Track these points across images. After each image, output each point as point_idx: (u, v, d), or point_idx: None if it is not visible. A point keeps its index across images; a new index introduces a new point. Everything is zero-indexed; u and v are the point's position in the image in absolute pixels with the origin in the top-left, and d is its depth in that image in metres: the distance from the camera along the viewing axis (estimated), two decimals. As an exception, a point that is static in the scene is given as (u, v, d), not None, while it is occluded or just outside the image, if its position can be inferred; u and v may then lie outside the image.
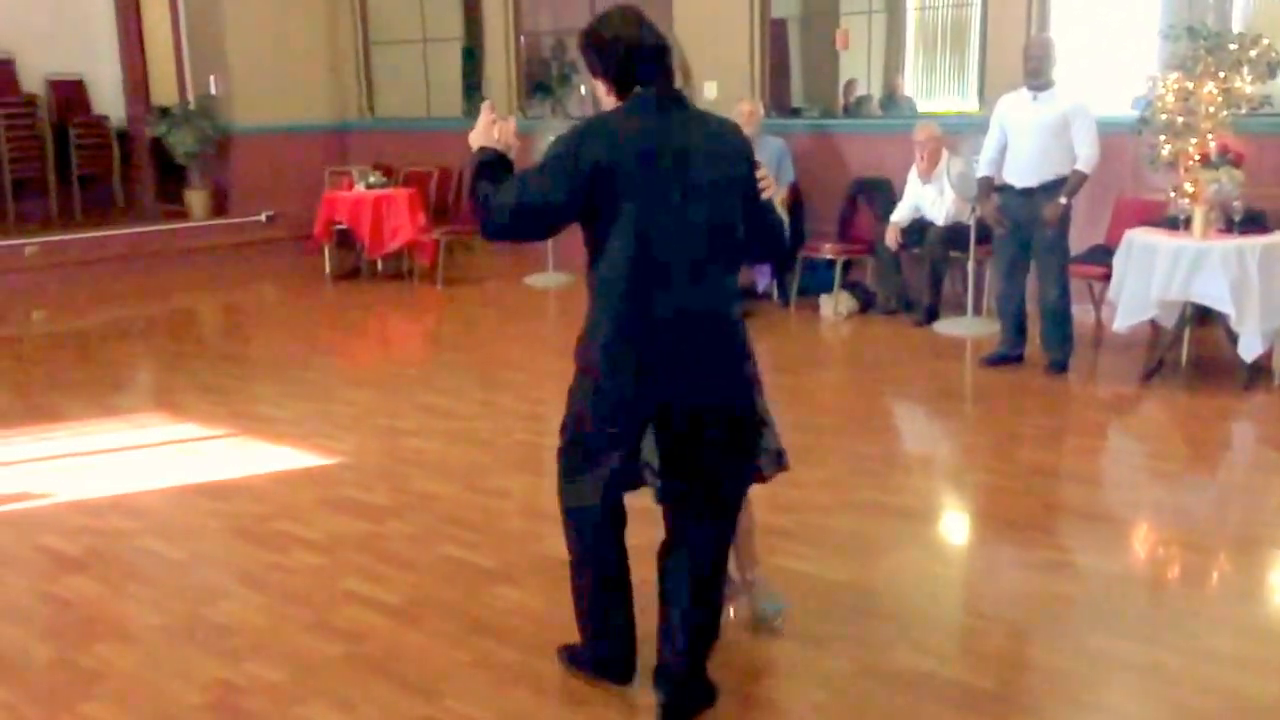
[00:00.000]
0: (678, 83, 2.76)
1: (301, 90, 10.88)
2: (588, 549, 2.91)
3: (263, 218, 10.57)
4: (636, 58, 2.67)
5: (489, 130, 2.80)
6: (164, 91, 11.44)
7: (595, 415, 2.77)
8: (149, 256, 9.80)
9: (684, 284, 2.64)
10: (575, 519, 2.91)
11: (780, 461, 3.03)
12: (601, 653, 2.99)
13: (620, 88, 2.70)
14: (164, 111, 10.80)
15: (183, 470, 4.83)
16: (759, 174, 2.75)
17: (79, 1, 11.14)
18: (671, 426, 2.70)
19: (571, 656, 3.08)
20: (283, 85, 10.70)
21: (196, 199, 10.66)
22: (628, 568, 2.94)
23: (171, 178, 11.04)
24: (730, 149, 2.74)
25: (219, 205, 10.75)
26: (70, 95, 11.17)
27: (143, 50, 11.57)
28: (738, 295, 2.82)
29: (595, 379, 2.73)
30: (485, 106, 2.86)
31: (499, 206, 2.70)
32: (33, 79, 10.90)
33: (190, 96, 10.88)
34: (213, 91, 10.66)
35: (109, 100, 11.44)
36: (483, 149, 2.80)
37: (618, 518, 2.89)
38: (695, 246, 2.65)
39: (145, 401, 6.32)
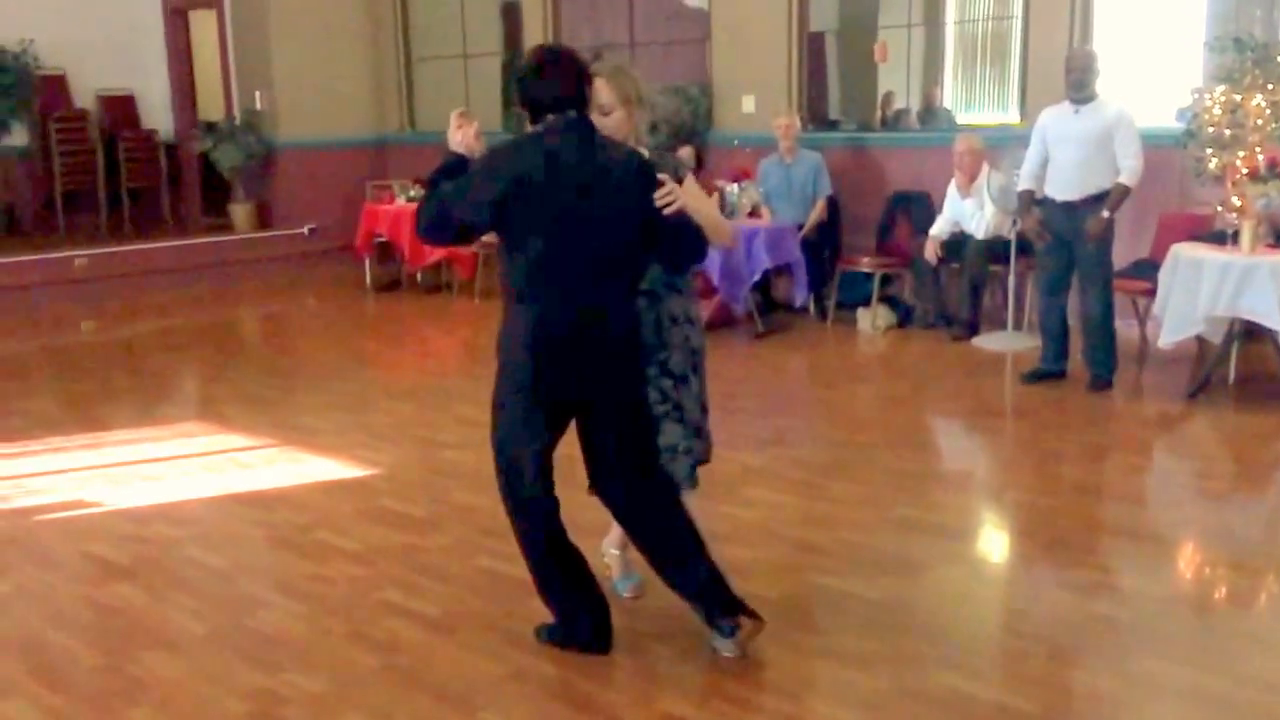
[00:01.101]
0: (613, 112, 3.13)
1: (344, 105, 11.02)
2: (525, 531, 3.21)
3: (305, 231, 10.71)
4: (543, 92, 3.00)
5: (454, 135, 3.15)
6: (211, 106, 11.64)
7: (507, 406, 3.10)
8: (194, 268, 9.95)
9: (580, 291, 2.99)
10: (510, 498, 3.19)
11: (692, 475, 3.35)
12: (574, 627, 3.24)
13: (533, 115, 3.04)
14: (210, 126, 10.99)
15: (226, 480, 4.89)
16: (659, 193, 2.99)
17: (129, 18, 11.36)
18: (581, 418, 3.11)
19: (550, 633, 3.29)
20: (326, 100, 10.85)
21: (241, 212, 10.81)
22: (566, 543, 3.21)
23: (217, 191, 11.22)
24: (626, 171, 3.04)
25: (263, 218, 10.90)
26: (120, 110, 11.38)
27: (191, 66, 11.79)
28: (633, 301, 3.13)
29: (509, 375, 3.08)
30: (454, 114, 3.17)
31: (424, 210, 3.09)
32: (84, 94, 11.12)
33: (236, 112, 11.06)
34: (258, 107, 10.82)
35: (157, 115, 11.64)
36: (448, 153, 3.14)
37: (547, 493, 3.16)
38: (590, 257, 2.98)
39: (191, 412, 6.42)
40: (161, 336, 8.33)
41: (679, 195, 3.02)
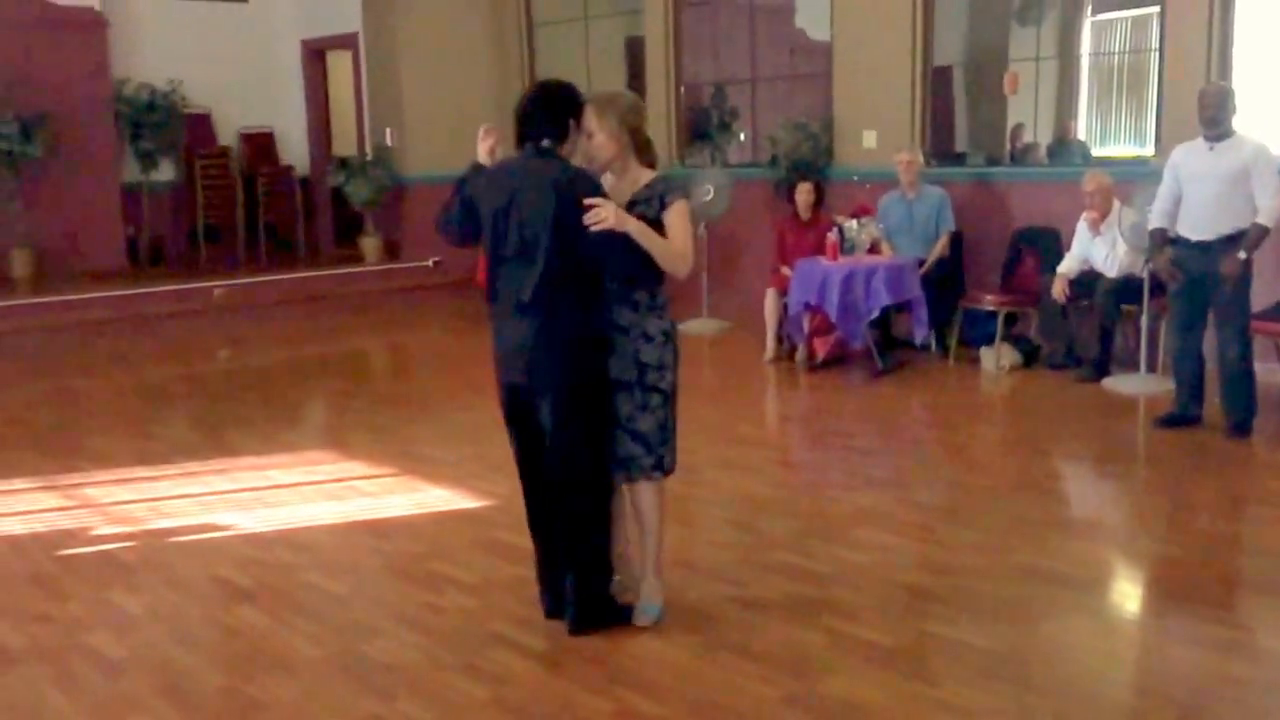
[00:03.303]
0: (595, 136, 3.49)
1: (470, 141, 11.17)
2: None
3: (430, 263, 11.00)
4: (525, 123, 3.53)
5: (480, 147, 3.65)
6: (344, 143, 12.11)
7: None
8: (325, 299, 10.31)
9: (518, 292, 3.42)
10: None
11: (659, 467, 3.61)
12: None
13: (518, 143, 3.56)
14: (343, 162, 11.40)
15: (347, 507, 5.04)
16: (588, 215, 3.29)
17: (271, 60, 11.92)
18: (525, 406, 3.53)
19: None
20: (452, 136, 11.12)
21: (371, 244, 11.18)
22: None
23: (349, 224, 11.63)
24: (557, 190, 3.39)
25: (391, 250, 11.24)
26: (260, 146, 11.93)
27: (327, 104, 12.30)
28: (572, 305, 3.43)
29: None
30: (481, 129, 3.64)
31: (440, 212, 3.67)
32: (227, 131, 11.69)
33: (368, 147, 11.47)
34: (388, 143, 11.20)
35: (294, 151, 12.16)
36: (473, 165, 3.62)
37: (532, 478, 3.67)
38: (523, 264, 3.41)
39: (316, 439, 6.63)
40: (292, 365, 8.64)
41: (609, 217, 3.29)
